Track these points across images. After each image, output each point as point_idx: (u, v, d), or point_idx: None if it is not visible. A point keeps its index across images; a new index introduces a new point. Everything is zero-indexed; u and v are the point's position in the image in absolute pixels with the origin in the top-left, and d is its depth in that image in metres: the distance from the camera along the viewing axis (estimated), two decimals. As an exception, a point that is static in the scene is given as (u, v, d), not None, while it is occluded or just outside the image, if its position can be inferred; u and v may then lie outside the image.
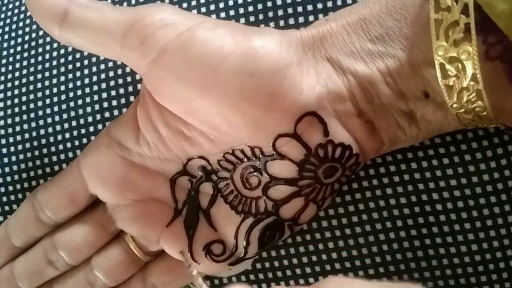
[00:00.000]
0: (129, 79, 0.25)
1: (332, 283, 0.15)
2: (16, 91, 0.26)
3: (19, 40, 0.27)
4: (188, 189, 0.22)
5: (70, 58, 0.26)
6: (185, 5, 0.25)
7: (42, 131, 0.26)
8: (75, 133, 0.25)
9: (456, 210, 0.22)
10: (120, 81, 0.25)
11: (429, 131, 0.21)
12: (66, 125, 0.25)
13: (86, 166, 0.23)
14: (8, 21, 0.28)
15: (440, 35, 0.18)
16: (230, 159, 0.21)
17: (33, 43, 0.27)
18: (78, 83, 0.25)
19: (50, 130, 0.26)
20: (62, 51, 0.26)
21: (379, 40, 0.19)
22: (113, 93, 0.25)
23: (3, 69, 0.27)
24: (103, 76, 0.25)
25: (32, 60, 0.26)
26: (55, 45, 0.26)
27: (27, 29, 0.27)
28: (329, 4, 0.23)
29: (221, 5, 0.24)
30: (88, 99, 0.25)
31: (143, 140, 0.22)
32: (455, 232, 0.22)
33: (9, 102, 0.26)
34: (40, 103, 0.26)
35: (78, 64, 0.26)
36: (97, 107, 0.25)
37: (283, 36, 0.19)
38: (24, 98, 0.26)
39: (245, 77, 0.18)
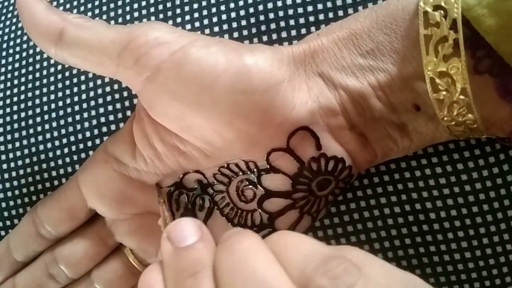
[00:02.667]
0: (125, 93, 0.25)
1: (275, 235, 0.16)
2: (15, 108, 0.27)
3: (17, 56, 0.27)
4: (185, 202, 0.23)
5: (67, 74, 0.26)
6: (179, 19, 0.25)
7: (41, 147, 0.26)
8: (73, 148, 0.26)
9: (450, 219, 0.23)
10: (117, 96, 0.25)
11: (421, 142, 0.21)
12: (64, 140, 0.26)
13: (85, 181, 0.23)
14: (6, 37, 0.28)
15: (429, 50, 0.18)
16: (226, 172, 0.21)
17: (30, 60, 0.27)
18: (76, 98, 0.26)
19: (49, 145, 0.26)
20: (59, 67, 0.26)
21: (370, 54, 0.19)
22: (109, 108, 0.25)
23: (1, 86, 0.27)
24: (99, 91, 0.26)
25: (30, 77, 0.27)
26: (52, 61, 0.27)
27: (25, 46, 0.27)
28: (321, 17, 0.23)
29: (214, 19, 0.25)
30: (85, 114, 0.26)
31: (139, 156, 0.22)
32: (448, 240, 0.23)
33: (8, 119, 0.27)
34: (38, 119, 0.26)
35: (75, 80, 0.26)
36: (94, 122, 0.26)
37: (274, 53, 0.20)
38: (23, 114, 0.27)
39: (238, 94, 0.19)
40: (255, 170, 0.21)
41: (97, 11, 0.27)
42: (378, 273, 0.14)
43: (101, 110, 0.25)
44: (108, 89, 0.25)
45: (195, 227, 0.17)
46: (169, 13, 0.26)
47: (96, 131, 0.25)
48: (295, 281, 0.13)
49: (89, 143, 0.26)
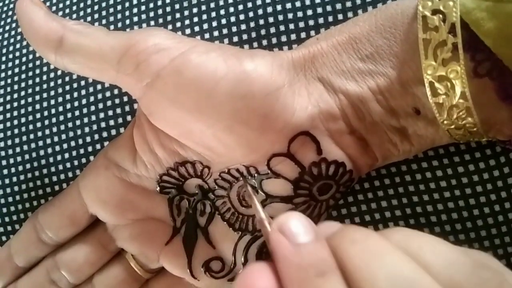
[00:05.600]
0: (125, 99, 0.25)
1: (397, 234, 0.14)
2: (15, 113, 0.27)
3: (17, 61, 0.27)
4: (186, 207, 0.23)
5: (67, 79, 0.26)
6: (178, 24, 0.25)
7: (41, 152, 0.26)
8: (74, 153, 0.26)
9: (451, 222, 0.23)
10: (117, 101, 0.25)
11: (421, 145, 0.21)
12: (65, 146, 0.26)
13: (85, 187, 0.23)
14: (6, 42, 0.28)
15: (428, 55, 0.18)
16: (226, 178, 0.21)
17: (30, 65, 0.27)
18: (76, 103, 0.26)
19: (49, 150, 0.26)
20: (60, 73, 0.26)
21: (369, 58, 0.19)
22: (110, 113, 0.25)
23: (1, 91, 0.27)
24: (100, 96, 0.26)
25: (30, 82, 0.27)
26: (52, 66, 0.27)
27: (25, 51, 0.27)
28: (321, 20, 0.23)
29: (214, 23, 0.25)
30: (86, 120, 0.26)
31: (140, 162, 0.22)
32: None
33: (8, 124, 0.27)
34: (39, 124, 0.26)
35: (75, 85, 0.26)
36: (94, 127, 0.26)
37: (274, 58, 0.20)
38: (23, 120, 0.27)
39: (238, 100, 0.19)
40: (256, 175, 0.21)
41: (96, 16, 0.27)
42: None
43: (102, 115, 0.25)
44: (108, 94, 0.25)
45: (309, 225, 0.15)
46: (169, 18, 0.26)
47: (96, 136, 0.25)
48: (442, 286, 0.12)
49: (90, 148, 0.26)
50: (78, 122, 0.26)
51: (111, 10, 0.26)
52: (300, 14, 0.24)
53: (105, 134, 0.25)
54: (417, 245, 0.13)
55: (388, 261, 0.13)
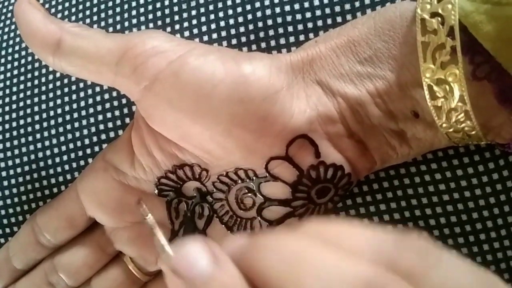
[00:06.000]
0: (124, 101, 0.25)
1: (312, 225, 0.13)
2: (14, 115, 0.27)
3: (16, 64, 0.27)
4: (184, 210, 0.23)
5: (65, 81, 0.26)
6: (177, 26, 0.25)
7: (40, 154, 0.26)
8: (72, 155, 0.26)
9: (449, 225, 0.23)
10: (115, 103, 0.25)
11: (420, 148, 0.21)
12: (63, 148, 0.26)
13: (84, 190, 0.23)
14: (4, 44, 0.28)
15: (427, 58, 0.18)
16: (225, 181, 0.21)
17: (29, 67, 0.27)
18: (74, 105, 0.26)
19: (47, 153, 0.26)
20: (58, 75, 0.26)
21: (368, 61, 0.19)
22: (108, 115, 0.25)
23: (0, 93, 0.27)
24: (98, 98, 0.26)
25: (29, 84, 0.27)
26: (50, 68, 0.26)
27: (23, 53, 0.27)
28: (319, 23, 0.23)
29: (213, 26, 0.25)
30: (84, 122, 0.26)
31: (138, 165, 0.22)
32: (448, 246, 0.23)
33: (7, 126, 0.27)
34: (37, 126, 0.26)
35: (73, 87, 0.26)
36: (93, 129, 0.26)
37: (272, 61, 0.20)
38: (21, 122, 0.27)
39: (236, 103, 0.19)
40: (254, 178, 0.21)
41: (95, 18, 0.27)
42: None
43: (100, 117, 0.25)
44: (106, 96, 0.25)
45: (205, 248, 0.12)
46: (167, 20, 0.26)
47: (95, 138, 0.25)
48: (372, 263, 0.11)
49: (88, 151, 0.25)
50: (76, 124, 0.26)
51: (110, 12, 0.26)
52: (299, 16, 0.24)
53: (103, 137, 0.25)
54: (334, 232, 0.12)
55: (309, 260, 0.11)
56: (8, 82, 0.27)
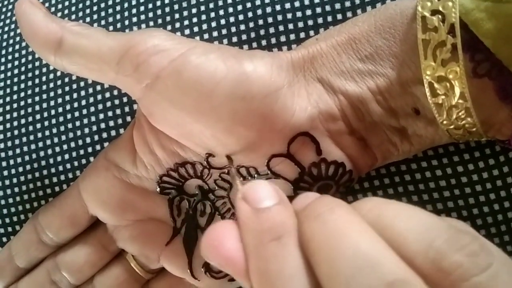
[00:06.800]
0: (125, 99, 0.25)
1: (369, 203, 0.14)
2: (15, 114, 0.27)
3: (16, 63, 0.27)
4: (186, 208, 0.23)
5: (66, 80, 0.26)
6: (177, 24, 0.25)
7: (41, 153, 0.26)
8: (74, 154, 0.26)
9: (450, 221, 0.23)
10: (117, 101, 0.25)
11: (421, 145, 0.21)
12: (65, 147, 0.26)
13: (86, 188, 0.23)
14: (4, 44, 0.28)
15: (428, 55, 0.18)
16: (226, 178, 0.22)
17: (30, 66, 0.27)
18: (75, 104, 0.26)
19: (49, 151, 0.26)
20: (59, 73, 0.26)
21: (368, 59, 0.19)
22: (110, 113, 0.25)
23: (1, 92, 0.27)
24: (99, 97, 0.26)
25: (30, 83, 0.27)
26: (51, 67, 0.27)
27: (24, 52, 0.27)
28: (320, 20, 0.23)
29: (213, 24, 0.25)
30: (85, 120, 0.26)
31: (140, 163, 0.22)
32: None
33: (8, 125, 0.27)
34: (39, 125, 0.26)
35: (74, 86, 0.26)
36: (94, 128, 0.26)
37: (273, 59, 0.20)
38: (23, 121, 0.27)
39: (238, 101, 0.19)
40: (255, 175, 0.21)
41: (95, 16, 0.27)
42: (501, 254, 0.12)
43: (101, 116, 0.25)
44: (107, 95, 0.25)
45: (273, 190, 0.15)
46: (168, 18, 0.26)
47: (96, 137, 0.25)
48: (419, 255, 0.12)
49: (90, 149, 0.26)
50: (78, 123, 0.26)
51: (110, 11, 0.26)
52: (299, 14, 0.24)
53: (105, 135, 0.25)
54: (391, 213, 0.13)
55: (350, 240, 0.12)
56: (8, 81, 0.27)
